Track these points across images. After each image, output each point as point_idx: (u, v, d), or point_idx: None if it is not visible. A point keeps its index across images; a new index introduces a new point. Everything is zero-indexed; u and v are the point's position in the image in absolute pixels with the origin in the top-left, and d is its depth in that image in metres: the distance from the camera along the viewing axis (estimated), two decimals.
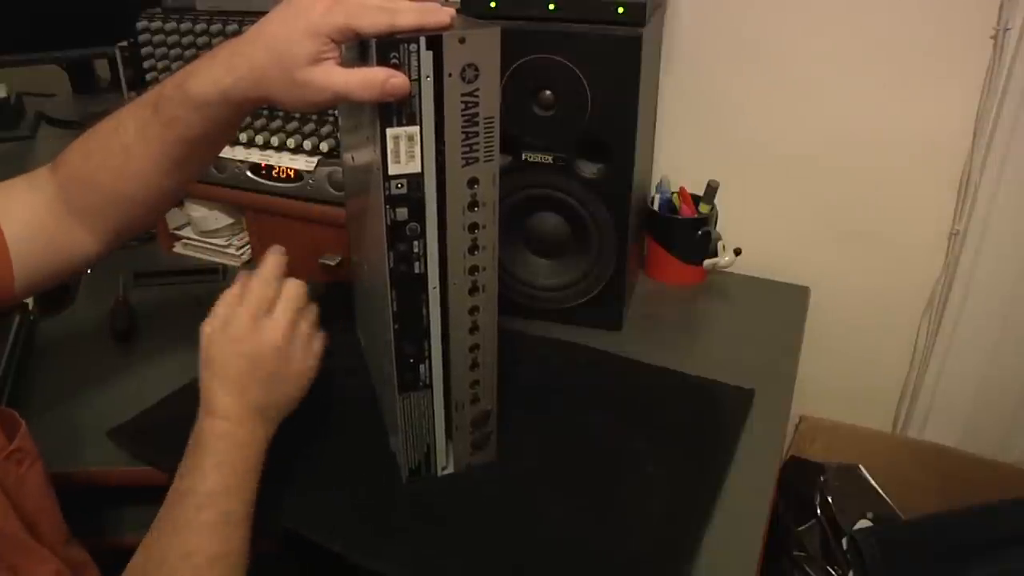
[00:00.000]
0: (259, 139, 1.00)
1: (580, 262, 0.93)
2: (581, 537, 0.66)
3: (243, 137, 1.01)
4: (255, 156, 1.02)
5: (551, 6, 0.82)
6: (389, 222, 0.59)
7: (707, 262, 1.05)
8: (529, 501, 0.70)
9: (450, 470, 0.72)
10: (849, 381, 1.16)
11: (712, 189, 1.04)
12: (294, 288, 0.68)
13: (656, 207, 1.07)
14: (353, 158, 0.74)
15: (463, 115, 0.57)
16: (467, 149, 0.59)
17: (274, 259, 0.68)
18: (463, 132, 0.58)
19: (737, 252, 1.04)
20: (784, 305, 1.03)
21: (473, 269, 0.64)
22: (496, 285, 0.65)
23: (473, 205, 0.61)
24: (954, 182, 0.99)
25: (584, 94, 0.83)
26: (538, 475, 0.72)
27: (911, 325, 1.09)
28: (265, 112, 1.00)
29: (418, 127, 0.56)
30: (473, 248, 0.63)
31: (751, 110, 1.05)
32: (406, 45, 0.54)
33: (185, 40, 1.00)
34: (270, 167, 1.01)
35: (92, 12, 1.19)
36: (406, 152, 0.57)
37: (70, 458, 0.75)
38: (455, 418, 0.69)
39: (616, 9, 0.80)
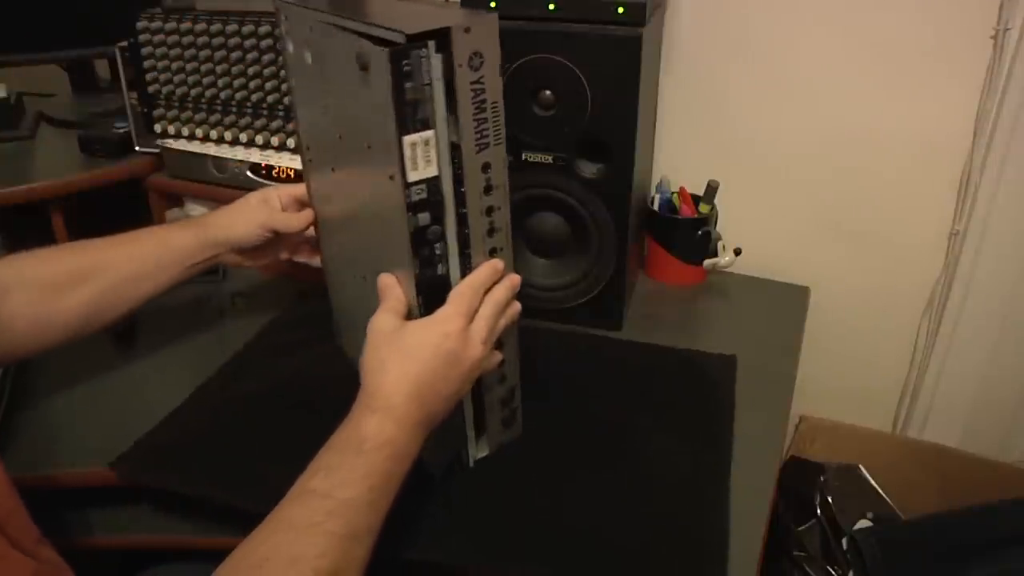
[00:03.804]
0: (259, 139, 1.00)
1: (580, 262, 0.93)
2: (616, 510, 0.68)
3: (243, 137, 1.01)
4: (255, 156, 1.02)
5: (551, 6, 0.82)
6: (412, 229, 0.59)
7: (707, 262, 1.05)
8: (555, 481, 0.71)
9: (484, 453, 0.73)
10: (849, 381, 1.16)
11: (712, 189, 1.04)
12: (507, 306, 0.65)
13: (656, 207, 1.07)
14: (333, 170, 0.73)
15: (473, 103, 0.58)
16: (479, 135, 0.59)
17: (490, 267, 0.64)
18: (475, 119, 0.59)
19: (737, 252, 1.04)
20: (784, 305, 1.03)
21: (492, 251, 0.65)
22: (512, 262, 0.66)
23: (488, 189, 0.62)
24: (954, 182, 0.99)
25: (584, 94, 0.83)
26: (558, 456, 0.74)
27: (911, 325, 1.09)
28: (265, 112, 1.00)
29: (433, 131, 0.57)
30: (491, 231, 0.64)
31: (751, 110, 1.05)
32: (417, 51, 0.54)
33: (185, 40, 1.00)
34: (270, 167, 1.01)
35: (92, 12, 1.19)
36: (423, 157, 0.57)
37: (69, 458, 0.75)
38: (485, 399, 0.70)
39: (616, 9, 0.80)
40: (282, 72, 0.97)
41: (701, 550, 0.65)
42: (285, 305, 0.99)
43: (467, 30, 0.55)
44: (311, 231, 0.83)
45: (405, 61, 0.54)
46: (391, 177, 0.57)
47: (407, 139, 0.56)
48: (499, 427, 0.73)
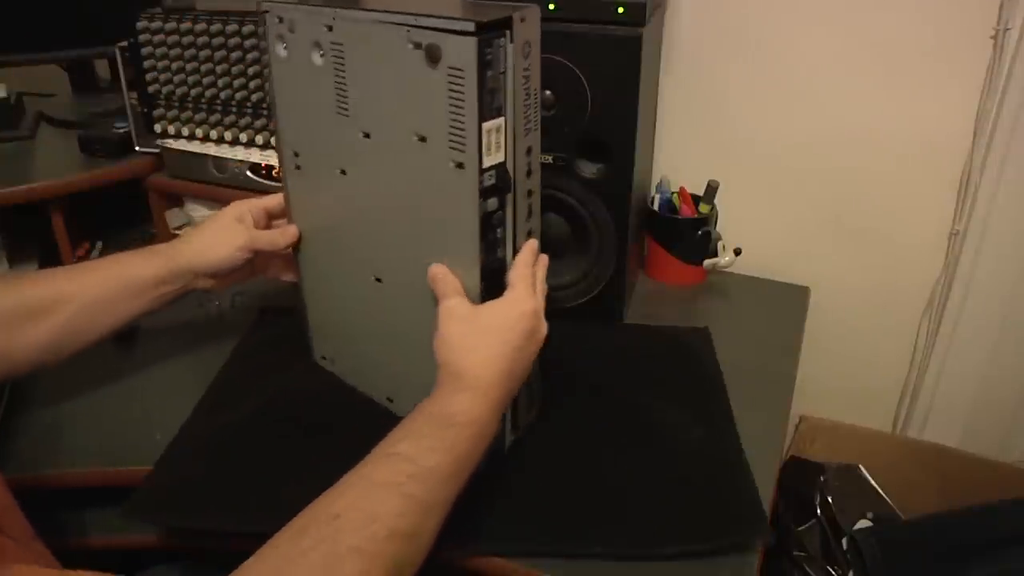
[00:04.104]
0: (259, 139, 1.00)
1: (580, 262, 0.93)
2: (650, 481, 0.71)
3: (243, 137, 1.01)
4: (255, 156, 1.02)
5: (551, 6, 0.82)
6: (481, 214, 0.60)
7: (707, 262, 1.05)
8: (587, 461, 0.73)
9: (515, 436, 0.74)
10: (849, 381, 1.16)
11: (712, 189, 1.04)
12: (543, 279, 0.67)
13: (656, 207, 1.07)
14: (343, 172, 0.71)
15: (523, 89, 0.60)
16: (526, 121, 0.61)
17: (531, 247, 0.66)
18: (524, 105, 0.61)
19: (737, 252, 1.04)
20: (784, 305, 1.03)
21: (528, 233, 0.67)
22: (540, 247, 0.68)
23: (529, 172, 0.64)
24: (954, 182, 0.99)
25: (584, 94, 0.83)
26: (581, 438, 0.76)
27: (911, 325, 1.09)
28: (265, 112, 1.00)
29: (503, 118, 0.59)
30: (529, 213, 0.66)
31: (751, 110, 1.05)
32: (498, 40, 0.56)
33: (185, 40, 1.00)
34: (270, 167, 1.01)
35: (92, 12, 1.19)
36: (494, 143, 0.59)
37: (69, 458, 0.75)
38: None
39: (616, 9, 0.80)
40: None
41: (735, 501, 0.69)
42: (245, 329, 0.95)
43: (523, 19, 0.57)
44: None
45: (488, 49, 0.55)
46: (459, 165, 0.59)
47: (485, 126, 0.57)
48: (525, 410, 0.74)
